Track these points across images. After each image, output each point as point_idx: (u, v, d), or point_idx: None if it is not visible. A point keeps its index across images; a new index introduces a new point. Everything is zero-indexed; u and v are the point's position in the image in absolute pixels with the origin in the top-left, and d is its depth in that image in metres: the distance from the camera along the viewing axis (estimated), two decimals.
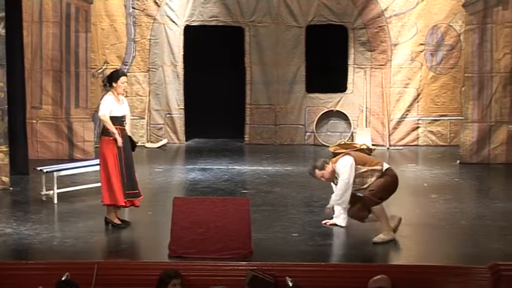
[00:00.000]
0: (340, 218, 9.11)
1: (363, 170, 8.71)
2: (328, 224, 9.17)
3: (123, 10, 14.79)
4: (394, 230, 8.66)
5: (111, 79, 9.34)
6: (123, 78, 9.34)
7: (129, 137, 9.44)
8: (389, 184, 8.77)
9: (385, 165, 8.85)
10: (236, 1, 14.89)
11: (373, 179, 8.69)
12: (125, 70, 9.05)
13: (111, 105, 9.24)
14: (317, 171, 8.88)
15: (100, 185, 9.41)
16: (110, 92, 9.34)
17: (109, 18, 14.76)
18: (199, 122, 15.24)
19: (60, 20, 13.47)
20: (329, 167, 8.85)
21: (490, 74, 13.16)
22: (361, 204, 8.73)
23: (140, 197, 9.44)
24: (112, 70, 9.54)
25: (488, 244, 8.54)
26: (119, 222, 9.28)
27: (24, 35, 12.63)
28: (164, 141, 14.94)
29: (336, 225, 9.12)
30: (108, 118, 9.18)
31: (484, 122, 13.19)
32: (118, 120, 9.26)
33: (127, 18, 14.82)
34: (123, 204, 9.26)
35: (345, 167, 8.71)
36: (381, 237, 8.46)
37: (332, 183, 9.02)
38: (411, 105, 14.81)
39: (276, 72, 15.01)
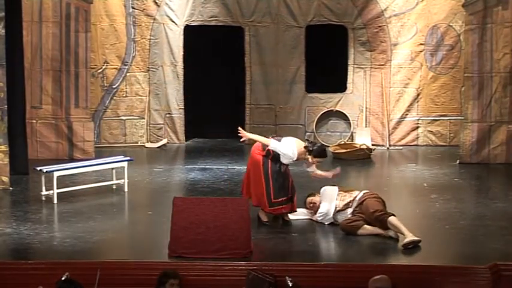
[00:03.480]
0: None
1: (342, 195, 9.35)
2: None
3: (122, 10, 14.79)
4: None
5: (315, 151, 9.29)
6: (319, 159, 9.33)
7: None
8: (379, 199, 9.12)
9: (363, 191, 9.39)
10: (236, 1, 14.88)
11: (351, 198, 9.23)
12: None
13: (287, 151, 9.24)
14: (310, 198, 9.58)
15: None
16: (302, 146, 9.32)
17: (109, 18, 14.76)
18: (199, 121, 15.25)
19: (60, 19, 13.47)
20: (318, 196, 9.54)
21: (489, 74, 13.16)
22: (376, 224, 8.89)
23: (292, 204, 9.44)
24: (322, 147, 9.58)
25: (488, 244, 8.54)
26: (265, 220, 9.43)
27: (24, 35, 12.63)
28: (164, 141, 14.94)
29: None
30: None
31: (484, 122, 13.19)
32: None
33: (127, 18, 14.82)
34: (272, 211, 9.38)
35: (323, 198, 9.41)
36: (408, 239, 8.43)
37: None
38: (411, 105, 14.81)
39: (275, 72, 15.01)
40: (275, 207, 9.29)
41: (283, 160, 9.31)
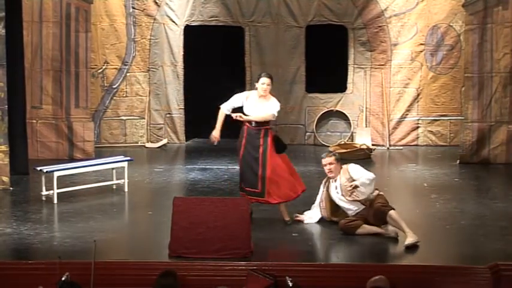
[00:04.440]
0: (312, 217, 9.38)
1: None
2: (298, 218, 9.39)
3: (123, 10, 14.80)
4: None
5: (258, 76, 9.46)
6: (262, 79, 9.32)
7: (274, 137, 9.40)
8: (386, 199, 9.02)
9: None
10: (236, 1, 14.90)
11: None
12: (265, 73, 9.34)
13: (237, 102, 9.41)
14: (330, 157, 9.16)
15: None
16: (254, 91, 9.44)
17: (109, 18, 14.77)
18: (199, 122, 15.23)
19: (60, 19, 13.48)
20: (340, 165, 9.13)
21: (490, 74, 13.17)
22: (375, 216, 8.79)
23: (258, 198, 9.26)
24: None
25: (488, 244, 8.54)
26: None
27: (24, 35, 12.63)
28: (164, 141, 14.95)
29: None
30: (222, 111, 9.46)
31: (484, 122, 13.19)
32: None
33: (127, 18, 14.83)
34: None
35: (360, 169, 9.08)
36: (410, 239, 8.39)
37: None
38: (411, 105, 14.82)
39: (275, 72, 14.96)
40: (242, 192, 9.35)
41: (246, 110, 9.34)
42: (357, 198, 8.92)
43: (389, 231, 8.75)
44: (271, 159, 9.23)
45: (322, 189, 9.38)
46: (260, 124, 9.32)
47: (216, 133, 9.47)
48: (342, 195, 9.07)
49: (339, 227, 9.01)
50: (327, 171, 9.21)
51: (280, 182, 9.26)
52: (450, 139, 14.76)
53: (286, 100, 15.05)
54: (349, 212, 9.06)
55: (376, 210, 8.75)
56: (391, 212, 8.65)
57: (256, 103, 9.37)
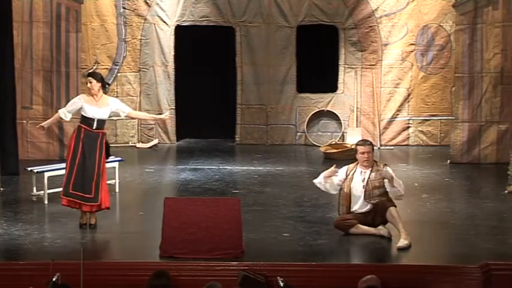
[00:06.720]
0: None
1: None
2: None
3: (113, 10, 14.77)
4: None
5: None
6: (89, 78, 9.28)
7: (106, 142, 9.26)
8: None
9: None
10: (227, 1, 14.89)
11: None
12: (92, 70, 9.16)
13: (75, 105, 9.23)
14: (369, 146, 8.97)
15: None
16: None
17: (99, 18, 14.74)
18: (190, 122, 15.23)
19: (50, 20, 13.44)
20: (376, 161, 9.03)
21: (480, 74, 13.20)
22: (378, 209, 8.75)
23: (92, 204, 9.03)
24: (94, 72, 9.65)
25: (479, 244, 8.56)
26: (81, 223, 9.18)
27: (14, 35, 12.59)
28: (155, 141, 14.92)
29: None
30: (56, 114, 9.36)
31: (475, 122, 13.23)
32: (85, 121, 9.16)
33: (117, 18, 14.80)
34: (63, 202, 9.14)
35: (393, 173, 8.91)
36: (403, 241, 8.38)
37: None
38: (402, 105, 14.85)
39: (267, 72, 15.02)
40: (67, 197, 9.06)
41: (87, 112, 9.16)
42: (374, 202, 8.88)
43: (382, 232, 8.75)
44: (103, 164, 9.18)
45: (343, 176, 9.02)
46: (99, 127, 9.20)
47: (42, 125, 9.50)
48: (366, 189, 8.87)
49: (334, 224, 8.98)
50: (363, 159, 8.89)
51: (104, 188, 9.18)
52: (441, 139, 14.79)
53: (277, 100, 15.06)
54: (358, 208, 8.90)
55: (378, 203, 8.75)
56: (392, 208, 8.65)
57: (93, 104, 9.21)
